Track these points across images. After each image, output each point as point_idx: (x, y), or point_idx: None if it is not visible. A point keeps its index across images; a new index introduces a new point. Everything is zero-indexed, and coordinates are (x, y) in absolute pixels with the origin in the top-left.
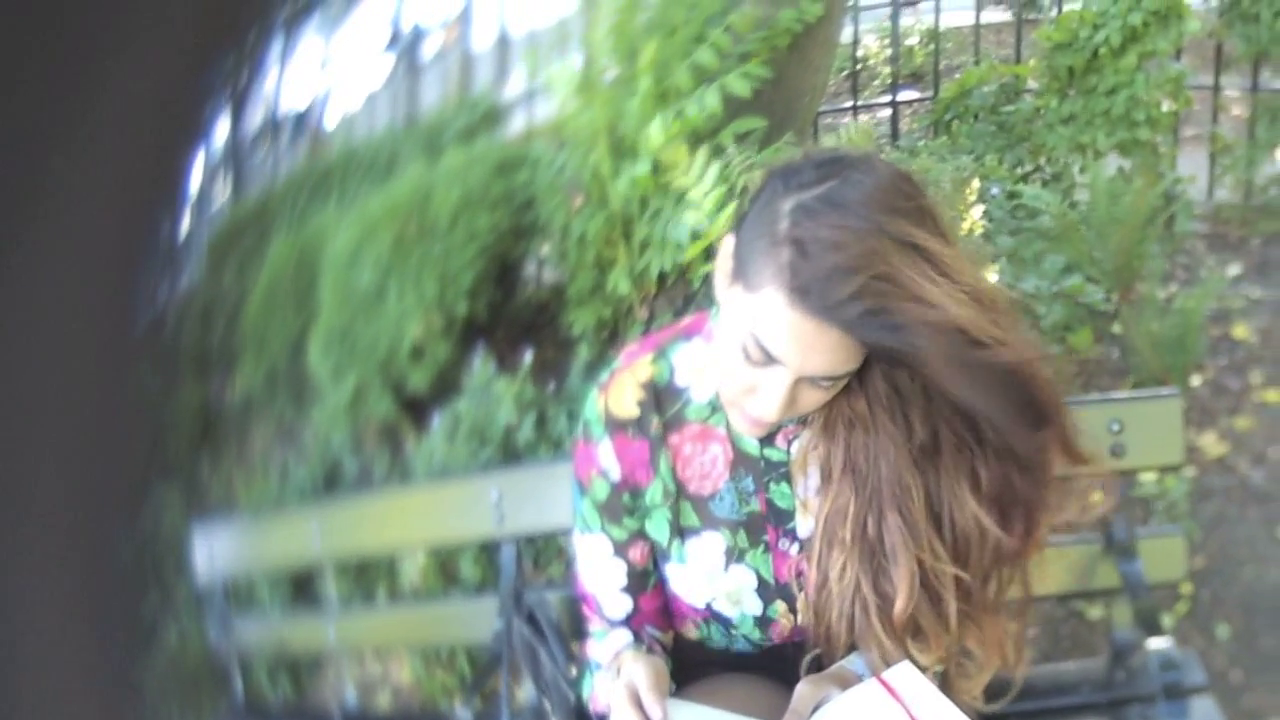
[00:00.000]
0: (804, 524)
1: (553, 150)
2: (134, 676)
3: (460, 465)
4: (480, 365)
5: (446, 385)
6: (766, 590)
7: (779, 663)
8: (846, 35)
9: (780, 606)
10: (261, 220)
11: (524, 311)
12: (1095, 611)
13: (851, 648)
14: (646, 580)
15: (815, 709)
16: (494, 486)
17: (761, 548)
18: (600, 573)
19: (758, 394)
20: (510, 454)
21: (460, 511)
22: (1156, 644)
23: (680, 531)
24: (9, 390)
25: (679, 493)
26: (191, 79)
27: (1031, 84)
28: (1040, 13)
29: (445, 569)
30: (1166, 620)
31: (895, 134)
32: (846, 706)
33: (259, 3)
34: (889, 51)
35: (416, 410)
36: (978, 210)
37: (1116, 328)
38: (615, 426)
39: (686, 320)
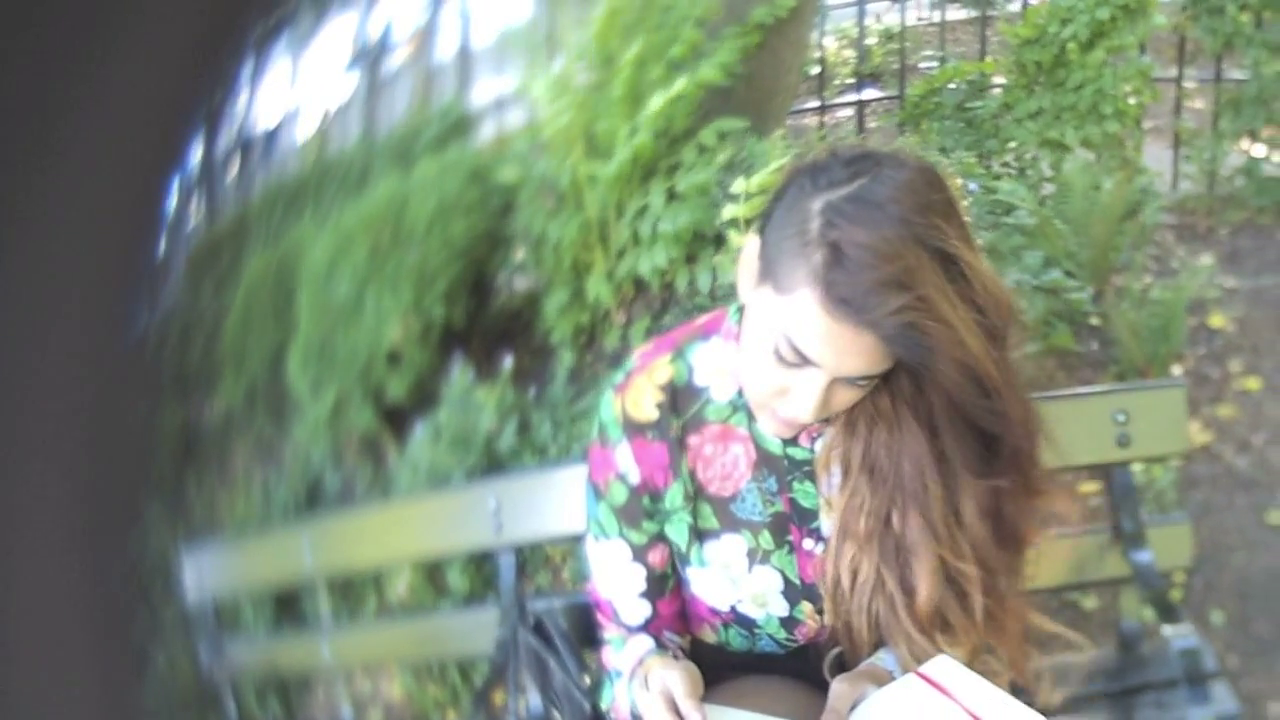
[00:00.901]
0: (828, 523)
1: (528, 155)
2: (131, 704)
3: (444, 475)
4: (459, 373)
5: (426, 395)
6: (792, 591)
7: (801, 663)
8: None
9: (807, 607)
10: (237, 239)
11: (500, 318)
12: (1090, 602)
13: (876, 646)
14: (665, 584)
15: (853, 707)
16: (491, 495)
17: (786, 548)
18: (618, 578)
19: (791, 395)
20: (493, 461)
21: (457, 522)
22: (1174, 631)
23: (699, 535)
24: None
25: (698, 494)
26: (172, 100)
27: (998, 80)
28: (995, 9)
29: (434, 581)
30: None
31: (861, 133)
32: (887, 703)
33: (237, 28)
34: (847, 53)
35: (397, 421)
36: None
37: (1095, 320)
38: (633, 429)
39: (703, 319)
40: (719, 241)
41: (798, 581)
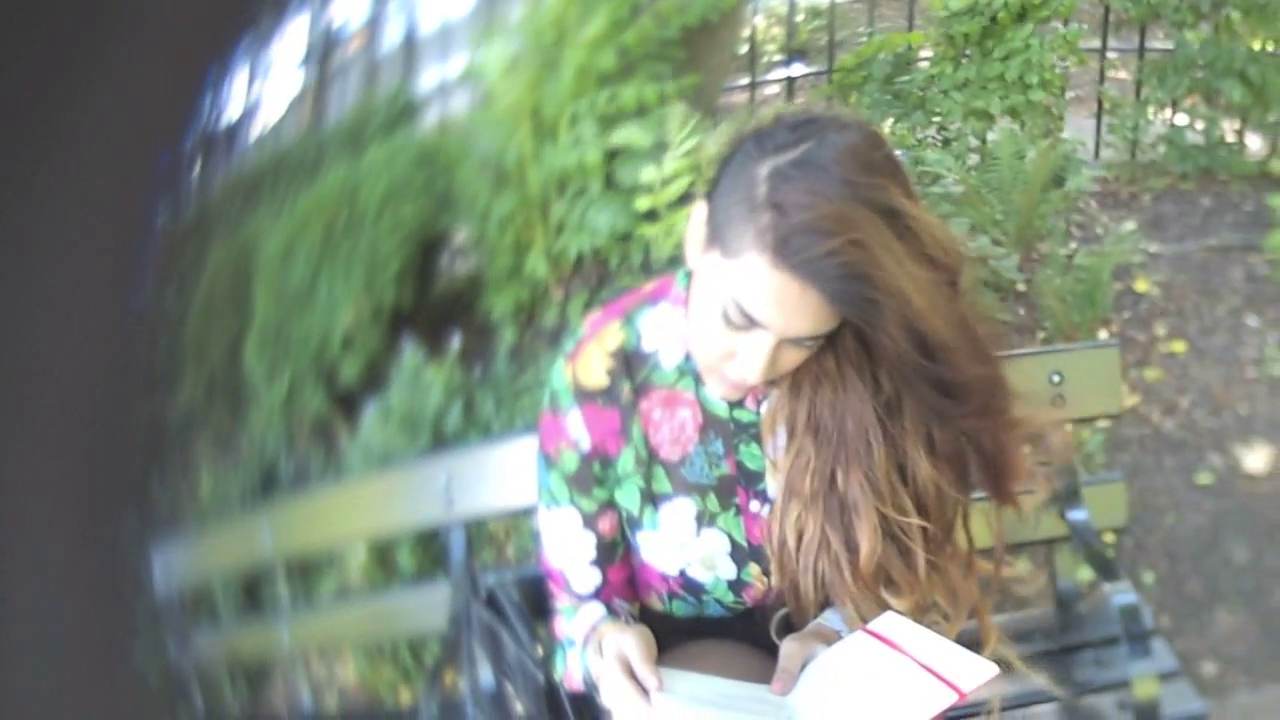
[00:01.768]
0: (774, 485)
1: (474, 136)
2: (130, 700)
3: (395, 456)
4: (410, 353)
5: (376, 376)
6: (739, 553)
7: (748, 626)
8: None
9: (754, 569)
10: (199, 235)
11: (445, 298)
12: (1022, 565)
13: (823, 606)
14: (615, 552)
15: (803, 666)
16: (442, 471)
17: (733, 510)
18: (569, 547)
19: (738, 358)
20: (441, 441)
21: (409, 499)
22: (1113, 588)
23: (653, 498)
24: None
25: (650, 458)
26: (170, 104)
27: (925, 53)
28: None
29: (385, 562)
30: None
31: None
32: (837, 659)
33: (228, 38)
34: (775, 30)
35: (348, 404)
36: None
37: (1022, 287)
38: (584, 396)
39: (651, 285)
40: (652, 216)
41: (745, 543)
